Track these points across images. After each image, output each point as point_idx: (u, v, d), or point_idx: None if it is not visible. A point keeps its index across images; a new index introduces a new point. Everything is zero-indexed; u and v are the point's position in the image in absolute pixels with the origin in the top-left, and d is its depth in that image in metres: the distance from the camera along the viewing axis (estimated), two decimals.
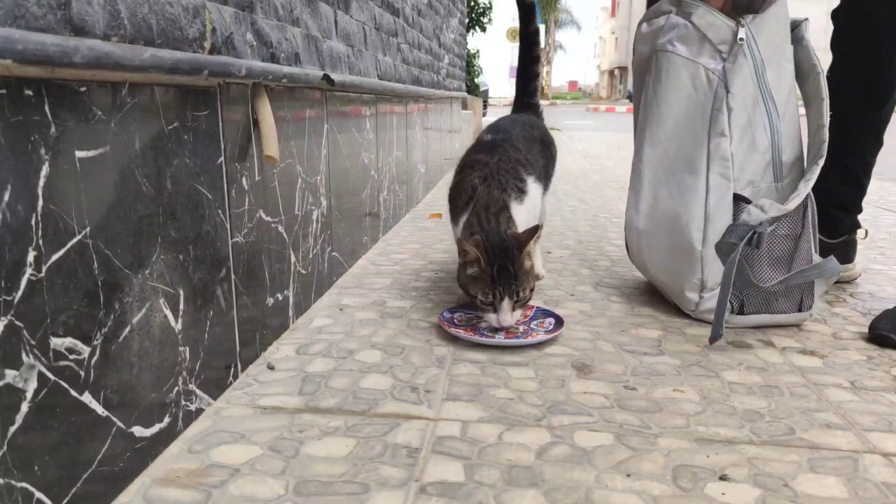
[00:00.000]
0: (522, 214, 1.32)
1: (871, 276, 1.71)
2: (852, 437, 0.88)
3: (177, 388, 0.85)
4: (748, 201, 1.25)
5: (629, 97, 37.40)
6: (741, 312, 1.29)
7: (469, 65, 6.47)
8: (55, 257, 0.62)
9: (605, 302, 1.47)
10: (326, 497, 0.73)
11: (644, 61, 1.43)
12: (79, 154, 0.65)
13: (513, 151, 1.41)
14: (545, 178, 1.51)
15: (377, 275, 1.67)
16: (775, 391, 1.02)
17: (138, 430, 0.76)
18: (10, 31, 0.55)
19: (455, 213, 1.38)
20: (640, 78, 1.44)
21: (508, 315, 1.19)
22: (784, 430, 0.89)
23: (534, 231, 1.24)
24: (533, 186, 1.39)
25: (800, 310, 1.30)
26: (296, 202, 1.27)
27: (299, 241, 1.30)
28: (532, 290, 1.23)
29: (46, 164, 0.61)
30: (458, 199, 1.36)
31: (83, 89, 0.66)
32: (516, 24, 1.77)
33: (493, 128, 1.55)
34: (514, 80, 1.81)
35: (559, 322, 1.27)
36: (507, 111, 1.80)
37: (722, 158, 1.26)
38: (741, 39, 1.24)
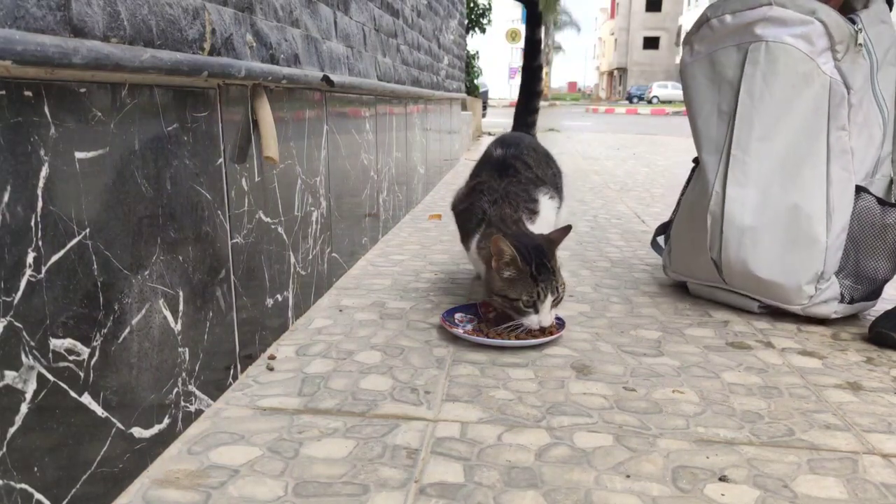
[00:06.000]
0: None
1: None
2: (851, 437, 0.88)
3: (176, 390, 0.85)
4: (869, 192, 1.30)
5: (629, 98, 37.38)
6: (851, 302, 1.33)
7: (468, 66, 6.47)
8: (55, 258, 0.62)
9: (604, 303, 1.47)
10: (326, 498, 0.73)
11: (705, 60, 1.41)
12: (78, 155, 0.65)
13: (524, 170, 1.39)
14: (557, 191, 1.48)
15: (377, 276, 1.67)
16: (774, 392, 1.02)
17: (138, 431, 0.76)
18: (10, 32, 0.55)
19: (467, 234, 1.36)
20: (706, 75, 1.42)
21: (549, 314, 1.17)
22: (783, 431, 0.89)
23: (566, 230, 1.24)
24: (546, 203, 1.38)
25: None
26: (295, 203, 1.27)
27: (299, 242, 1.30)
28: (564, 288, 1.22)
29: (46, 164, 0.61)
30: (470, 221, 1.34)
31: (83, 90, 0.66)
32: (516, 25, 1.78)
33: (500, 142, 1.52)
34: (513, 81, 1.82)
35: (560, 324, 1.26)
36: (507, 111, 1.79)
37: (842, 151, 1.29)
38: (860, 45, 1.27)
